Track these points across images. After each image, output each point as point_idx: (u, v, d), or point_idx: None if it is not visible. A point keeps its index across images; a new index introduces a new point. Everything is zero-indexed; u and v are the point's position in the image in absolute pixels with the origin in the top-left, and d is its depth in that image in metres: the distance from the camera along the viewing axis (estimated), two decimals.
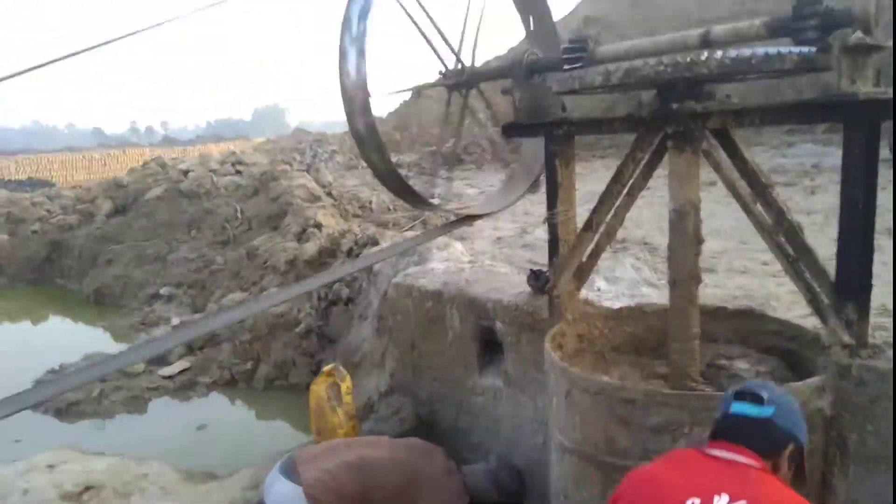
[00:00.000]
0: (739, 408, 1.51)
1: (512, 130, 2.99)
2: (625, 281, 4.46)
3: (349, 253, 4.90)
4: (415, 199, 2.99)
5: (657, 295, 3.95)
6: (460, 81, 3.14)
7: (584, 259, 3.00)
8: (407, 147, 14.64)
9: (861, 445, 2.20)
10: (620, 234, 5.90)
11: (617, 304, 3.58)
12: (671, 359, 2.59)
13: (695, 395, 2.23)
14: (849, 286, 2.19)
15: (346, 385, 3.38)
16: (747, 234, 5.52)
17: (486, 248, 5.66)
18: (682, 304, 2.46)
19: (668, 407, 2.18)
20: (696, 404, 2.16)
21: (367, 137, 2.75)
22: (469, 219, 3.42)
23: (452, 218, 3.30)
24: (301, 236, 5.60)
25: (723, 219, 6.07)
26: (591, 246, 2.95)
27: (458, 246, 4.40)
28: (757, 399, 1.50)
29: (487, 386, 3.42)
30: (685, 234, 2.47)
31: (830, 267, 2.32)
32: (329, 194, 6.88)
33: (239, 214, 7.15)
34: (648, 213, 6.20)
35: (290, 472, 2.59)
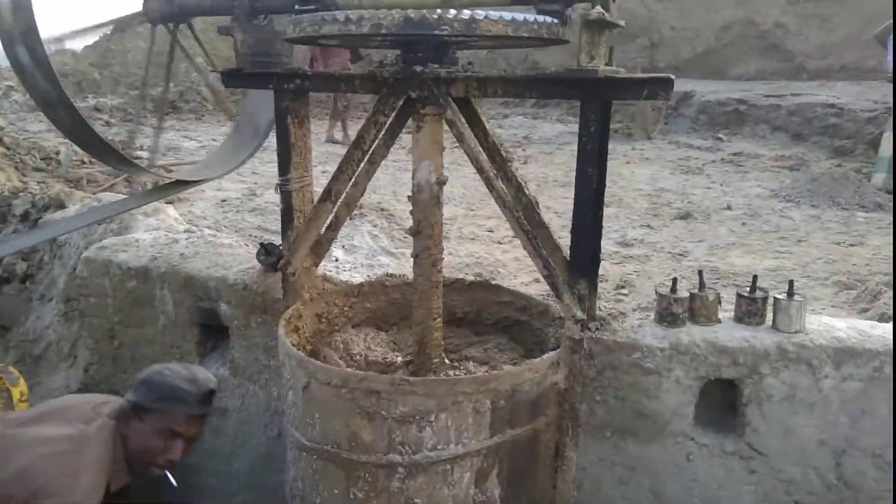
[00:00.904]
0: None
1: (233, 79, 2.53)
2: (363, 250, 4.29)
3: (24, 218, 3.90)
4: (106, 153, 2.37)
5: (395, 265, 3.84)
6: (166, 13, 2.57)
7: (322, 232, 2.70)
8: (109, 88, 12.63)
9: (590, 415, 2.30)
10: None
11: (356, 276, 3.37)
12: (415, 342, 2.45)
13: (442, 381, 2.12)
14: (581, 263, 2.24)
15: (18, 390, 2.64)
16: (474, 202, 5.75)
17: (209, 213, 5.03)
18: (426, 285, 2.32)
19: (415, 395, 2.04)
20: (443, 390, 2.05)
21: (32, 65, 2.06)
22: (182, 184, 2.88)
23: (163, 181, 2.73)
24: None
25: (451, 185, 6.24)
26: (330, 218, 2.66)
27: (171, 211, 3.76)
28: None
29: None
30: (431, 208, 2.32)
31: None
32: (0, 141, 5.49)
33: None
34: (384, 178, 6.10)
35: None
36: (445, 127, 2.27)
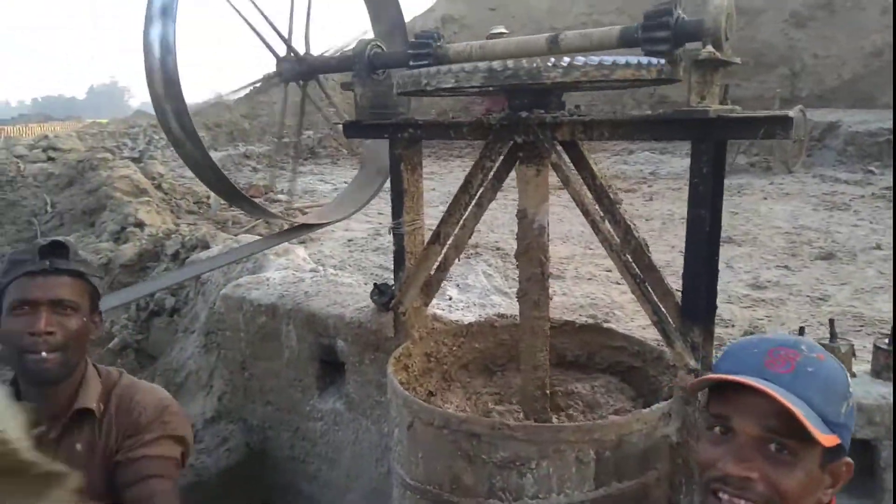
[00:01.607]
0: None
1: (353, 130, 2.70)
2: (477, 289, 4.34)
3: (175, 257, 4.35)
4: (240, 201, 2.60)
5: (507, 304, 3.85)
6: (297, 72, 2.80)
7: (431, 273, 2.78)
8: (257, 137, 13.81)
9: None
10: (473, 238, 5.85)
11: (468, 315, 3.42)
12: (521, 386, 2.44)
13: (544, 427, 2.08)
14: (695, 309, 2.14)
15: None
16: (593, 240, 5.66)
17: (336, 252, 5.33)
18: (531, 330, 2.31)
19: (515, 440, 2.02)
20: (545, 437, 2.02)
21: (179, 130, 2.33)
22: (308, 227, 3.09)
23: (288, 224, 2.94)
24: (119, 236, 4.92)
25: (570, 224, 6.20)
26: (440, 259, 2.74)
27: (301, 252, 4.03)
28: None
29: (327, 410, 3.11)
30: (535, 253, 2.33)
31: (669, 278, 2.27)
32: (159, 187, 6.15)
33: (49, 207, 6.21)
34: (503, 217, 6.17)
35: None
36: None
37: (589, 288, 4.41)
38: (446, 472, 2.12)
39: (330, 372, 3.15)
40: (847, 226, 5.75)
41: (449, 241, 2.66)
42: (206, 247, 4.22)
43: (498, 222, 6.31)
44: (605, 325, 3.05)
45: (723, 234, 5.94)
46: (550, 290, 4.49)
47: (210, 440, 3.22)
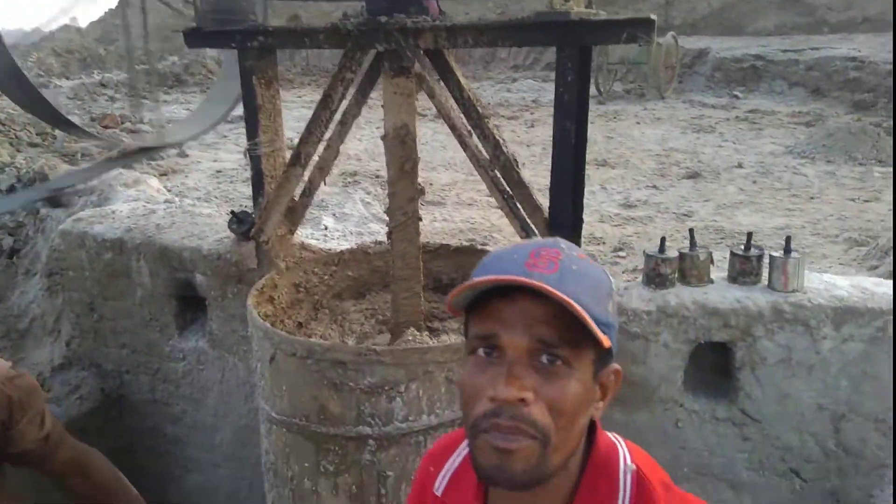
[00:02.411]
0: None
1: (194, 38, 2.40)
2: (354, 217, 4.18)
3: (10, 191, 3.85)
4: (55, 120, 2.26)
5: (385, 232, 3.74)
6: None
7: (295, 198, 2.59)
8: (115, 64, 12.56)
9: None
10: (353, 166, 5.63)
11: (344, 244, 3.28)
12: (394, 308, 2.35)
13: (411, 350, 2.01)
14: (561, 222, 2.11)
15: None
16: None
17: (202, 184, 4.94)
18: (402, 249, 2.21)
19: (382, 365, 1.94)
20: (413, 359, 1.94)
21: None
22: (146, 150, 2.77)
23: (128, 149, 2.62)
24: None
25: (455, 150, 6.10)
26: (305, 183, 2.55)
27: (153, 182, 3.67)
28: None
29: (189, 349, 2.90)
30: (401, 171, 2.20)
31: (545, 200, 2.23)
32: None
33: None
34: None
35: None
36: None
37: (469, 213, 4.36)
38: (312, 402, 2.02)
39: (190, 308, 2.93)
40: (712, 147, 6.02)
41: (313, 163, 2.47)
42: (45, 179, 3.75)
43: (379, 150, 6.09)
44: (480, 246, 3.01)
45: (598, 158, 6.04)
46: (430, 216, 4.41)
47: (60, 389, 2.93)
